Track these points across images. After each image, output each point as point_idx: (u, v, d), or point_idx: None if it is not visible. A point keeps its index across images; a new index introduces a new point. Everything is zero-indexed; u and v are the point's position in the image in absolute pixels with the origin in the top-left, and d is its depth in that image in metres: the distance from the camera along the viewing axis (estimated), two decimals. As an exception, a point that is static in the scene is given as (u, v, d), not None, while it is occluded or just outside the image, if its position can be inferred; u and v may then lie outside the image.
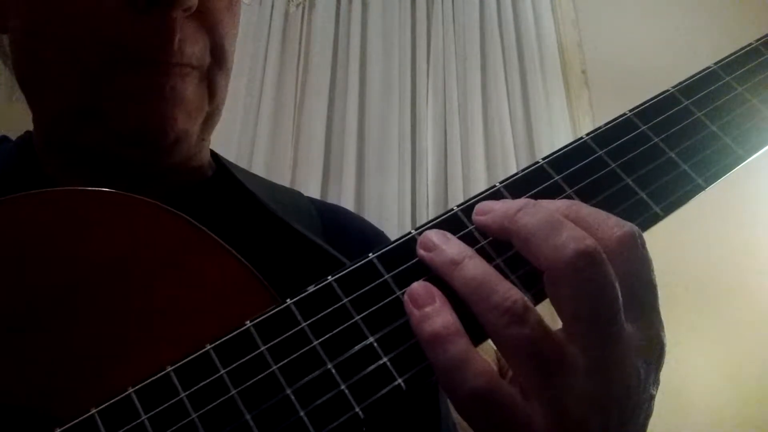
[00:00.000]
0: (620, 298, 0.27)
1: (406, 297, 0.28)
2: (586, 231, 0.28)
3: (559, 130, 1.85)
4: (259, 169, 1.86)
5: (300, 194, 0.57)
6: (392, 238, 0.57)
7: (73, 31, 0.39)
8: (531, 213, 0.29)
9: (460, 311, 0.28)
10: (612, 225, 0.28)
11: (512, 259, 0.30)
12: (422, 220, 1.77)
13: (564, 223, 0.28)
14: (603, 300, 0.26)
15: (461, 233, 0.31)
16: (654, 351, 0.29)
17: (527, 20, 2.00)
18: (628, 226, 0.28)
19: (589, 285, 0.26)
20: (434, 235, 0.30)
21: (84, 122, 0.41)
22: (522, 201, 0.30)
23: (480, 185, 1.77)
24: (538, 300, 0.29)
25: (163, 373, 0.28)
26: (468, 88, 1.92)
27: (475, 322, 0.27)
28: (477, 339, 0.27)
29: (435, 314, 0.27)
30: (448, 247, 0.29)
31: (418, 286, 0.28)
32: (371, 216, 1.77)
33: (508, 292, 0.27)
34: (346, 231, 0.52)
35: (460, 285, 0.28)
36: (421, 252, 0.30)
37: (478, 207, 0.31)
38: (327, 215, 0.53)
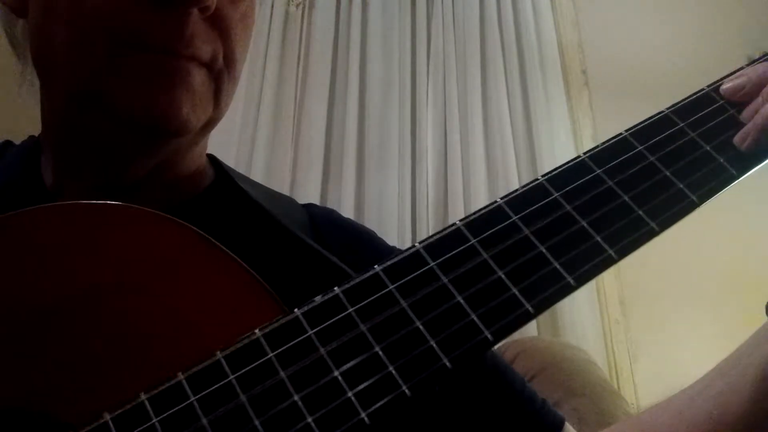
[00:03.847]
0: None
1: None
2: None
3: (559, 131, 1.86)
4: (259, 169, 1.86)
5: (294, 201, 0.57)
6: (391, 239, 0.57)
7: (88, 14, 0.40)
8: None
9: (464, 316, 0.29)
10: None
11: (514, 271, 0.31)
12: (422, 220, 1.77)
13: None
14: None
15: (463, 247, 0.31)
16: None
17: (527, 20, 2.00)
18: None
19: None
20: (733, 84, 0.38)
21: (90, 104, 0.41)
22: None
23: (480, 185, 1.78)
24: (538, 311, 0.29)
25: (174, 380, 0.28)
26: (468, 88, 1.92)
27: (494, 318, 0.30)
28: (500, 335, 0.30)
29: None
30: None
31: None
32: (371, 216, 1.78)
33: None
34: (337, 230, 0.53)
35: None
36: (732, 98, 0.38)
37: (725, 89, 0.38)
38: (319, 221, 0.54)
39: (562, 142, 1.83)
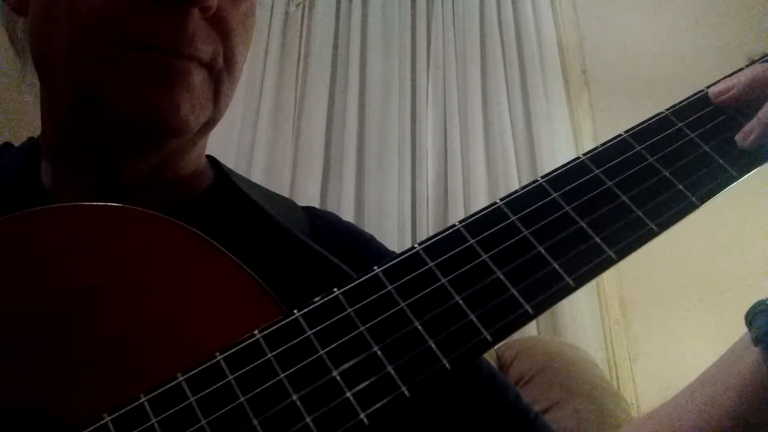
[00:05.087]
0: None
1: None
2: None
3: (558, 131, 1.86)
4: (258, 169, 1.86)
5: (293, 203, 0.57)
6: (391, 239, 0.57)
7: (88, 13, 0.39)
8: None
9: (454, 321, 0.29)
10: None
11: (513, 272, 0.31)
12: (422, 220, 1.77)
13: None
14: None
15: (462, 248, 0.31)
16: None
17: (527, 20, 2.01)
18: None
19: None
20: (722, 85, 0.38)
21: (89, 103, 0.41)
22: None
23: (480, 185, 1.78)
24: (538, 312, 0.29)
25: (174, 381, 0.28)
26: (468, 88, 1.92)
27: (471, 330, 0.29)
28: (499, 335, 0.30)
29: None
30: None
31: None
32: (371, 216, 1.78)
33: None
34: (336, 234, 0.53)
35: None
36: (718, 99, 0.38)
37: (712, 91, 0.38)
38: (319, 223, 0.54)
39: (562, 142, 1.83)
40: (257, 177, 1.80)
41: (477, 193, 1.77)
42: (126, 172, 0.45)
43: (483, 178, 1.80)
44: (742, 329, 0.41)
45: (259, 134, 1.93)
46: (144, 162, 0.45)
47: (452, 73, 1.95)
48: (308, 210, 0.56)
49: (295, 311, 0.30)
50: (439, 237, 0.32)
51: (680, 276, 1.65)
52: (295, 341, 0.29)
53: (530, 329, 1.56)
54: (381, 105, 1.94)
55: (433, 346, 0.29)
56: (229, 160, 1.85)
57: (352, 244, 0.52)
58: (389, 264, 0.31)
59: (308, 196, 1.80)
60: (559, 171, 0.34)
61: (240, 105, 1.97)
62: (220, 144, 1.82)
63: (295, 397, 0.28)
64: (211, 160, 0.54)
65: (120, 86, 0.40)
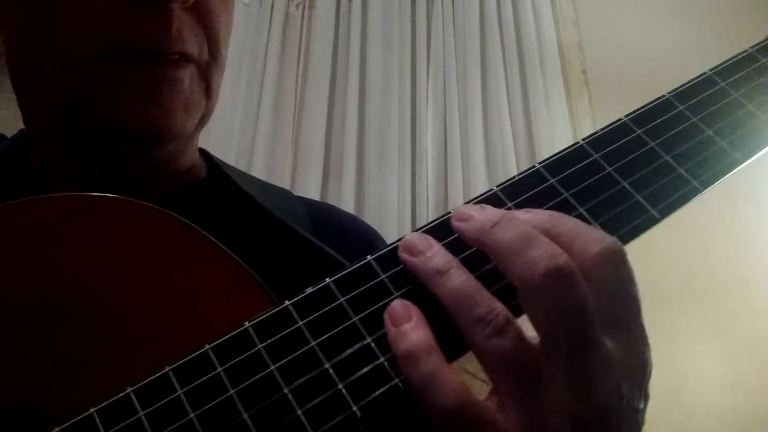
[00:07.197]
0: (595, 317, 0.26)
1: (385, 315, 0.28)
2: (563, 247, 0.27)
3: (559, 131, 1.85)
4: (258, 169, 1.86)
5: (290, 193, 0.57)
6: (391, 239, 0.57)
7: (68, 26, 0.38)
8: (506, 228, 0.28)
9: (441, 321, 0.28)
10: (590, 239, 0.27)
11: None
12: (422, 220, 1.77)
13: (538, 239, 0.27)
14: (575, 319, 0.26)
15: (454, 237, 0.31)
16: (637, 367, 0.27)
17: (527, 20, 2.00)
18: (608, 242, 0.27)
19: (561, 304, 0.26)
20: (418, 241, 0.29)
21: (79, 118, 0.40)
22: (499, 213, 0.29)
23: (480, 185, 1.77)
24: (517, 313, 0.29)
25: (161, 372, 0.28)
26: (468, 88, 1.92)
27: (454, 333, 0.28)
28: (455, 352, 0.28)
29: (410, 331, 0.27)
30: (432, 254, 0.29)
31: (397, 305, 0.28)
32: (371, 216, 1.78)
33: (492, 304, 0.27)
34: (336, 228, 0.52)
35: (443, 294, 0.28)
36: (404, 256, 0.29)
37: (457, 212, 0.30)
38: (317, 213, 0.53)
39: (562, 142, 1.83)
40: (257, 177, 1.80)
41: (477, 193, 1.76)
42: (123, 172, 0.44)
43: (483, 178, 1.79)
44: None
45: (259, 134, 1.93)
46: (141, 164, 0.44)
47: (452, 73, 1.95)
48: (306, 201, 0.56)
49: (286, 301, 0.29)
50: (431, 225, 0.31)
51: (680, 276, 1.64)
52: (285, 332, 0.29)
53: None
54: (381, 105, 1.94)
55: None
56: (229, 160, 1.84)
57: (352, 235, 0.52)
58: (382, 252, 0.31)
59: (308, 196, 1.79)
60: (557, 156, 0.34)
61: (240, 105, 1.97)
62: (220, 144, 1.81)
63: (286, 390, 0.27)
64: (204, 153, 0.54)
65: (112, 100, 0.39)
